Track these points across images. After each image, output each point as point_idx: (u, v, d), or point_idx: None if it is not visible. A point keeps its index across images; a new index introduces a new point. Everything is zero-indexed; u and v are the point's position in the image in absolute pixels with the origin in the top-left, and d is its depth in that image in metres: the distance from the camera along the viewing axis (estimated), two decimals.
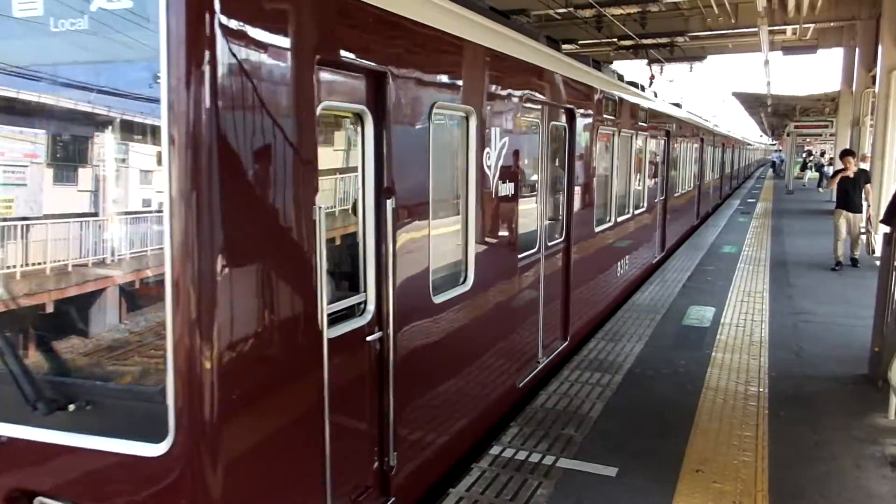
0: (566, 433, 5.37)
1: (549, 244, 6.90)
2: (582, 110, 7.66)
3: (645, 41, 21.57)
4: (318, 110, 3.28)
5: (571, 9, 19.21)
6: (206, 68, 2.66)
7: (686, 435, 5.37)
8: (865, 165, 14.80)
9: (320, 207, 3.26)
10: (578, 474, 4.74)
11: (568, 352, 7.48)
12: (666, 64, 24.62)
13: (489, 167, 5.25)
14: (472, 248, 5.08)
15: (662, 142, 13.36)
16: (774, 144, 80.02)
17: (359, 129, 3.80)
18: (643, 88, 12.27)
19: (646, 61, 21.81)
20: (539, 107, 6.49)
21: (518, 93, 5.85)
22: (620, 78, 10.83)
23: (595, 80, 8.44)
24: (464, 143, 5.02)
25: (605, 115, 8.70)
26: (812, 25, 22.12)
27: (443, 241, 4.84)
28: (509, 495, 4.43)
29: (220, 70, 2.70)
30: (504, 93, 5.59)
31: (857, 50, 21.25)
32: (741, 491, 4.53)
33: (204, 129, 2.67)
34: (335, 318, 3.62)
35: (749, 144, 58.95)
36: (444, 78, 4.67)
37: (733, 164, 34.75)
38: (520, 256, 6.07)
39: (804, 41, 23.97)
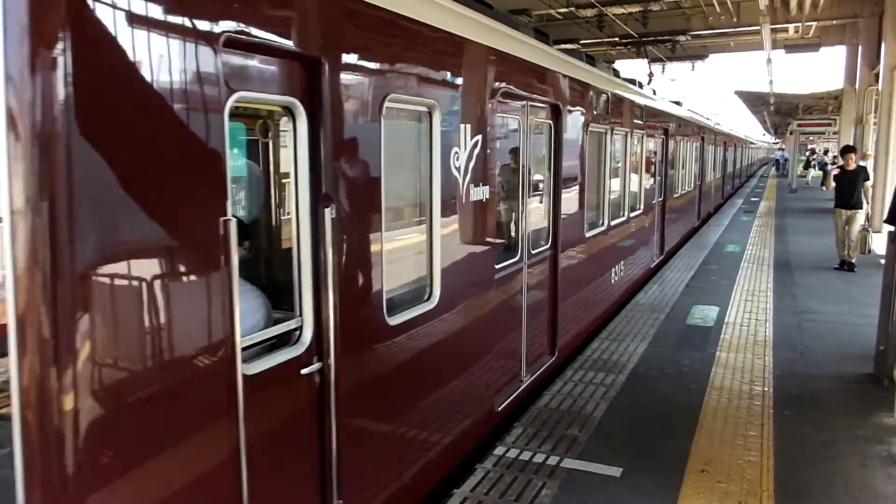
0: (570, 433, 5.36)
1: (534, 252, 6.34)
2: (570, 107, 7.06)
3: (646, 39, 21.55)
4: (230, 102, 2.72)
5: (573, 8, 19.23)
6: (61, 48, 2.12)
7: (691, 435, 5.35)
8: (865, 163, 14.68)
9: (229, 220, 2.66)
10: (583, 474, 4.73)
11: (556, 367, 6.99)
12: (668, 63, 24.61)
13: (458, 169, 4.68)
14: (439, 261, 4.48)
15: (660, 141, 12.84)
16: (777, 143, 79.93)
17: (290, 125, 3.26)
18: (641, 86, 11.86)
19: (647, 60, 21.80)
20: (520, 102, 5.95)
21: (494, 86, 5.24)
22: (616, 74, 10.31)
23: (585, 74, 7.77)
24: (427, 143, 4.42)
25: (596, 112, 8.08)
26: (814, 23, 22.13)
27: (401, 253, 4.38)
28: (514, 496, 4.42)
29: (82, 49, 2.18)
30: (477, 86, 4.98)
31: (859, 48, 21.25)
32: (746, 491, 4.51)
33: (59, 121, 2.13)
34: (266, 348, 3.15)
35: (752, 143, 58.84)
36: (399, 67, 4.01)
37: (736, 163, 34.63)
38: (498, 267, 5.49)
39: (806, 39, 23.98)
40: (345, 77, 3.45)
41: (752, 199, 29.53)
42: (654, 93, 13.69)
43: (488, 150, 5.15)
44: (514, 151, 6.13)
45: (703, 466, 4.84)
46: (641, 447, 5.16)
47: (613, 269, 9.53)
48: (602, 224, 8.79)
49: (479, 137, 4.97)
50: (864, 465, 4.91)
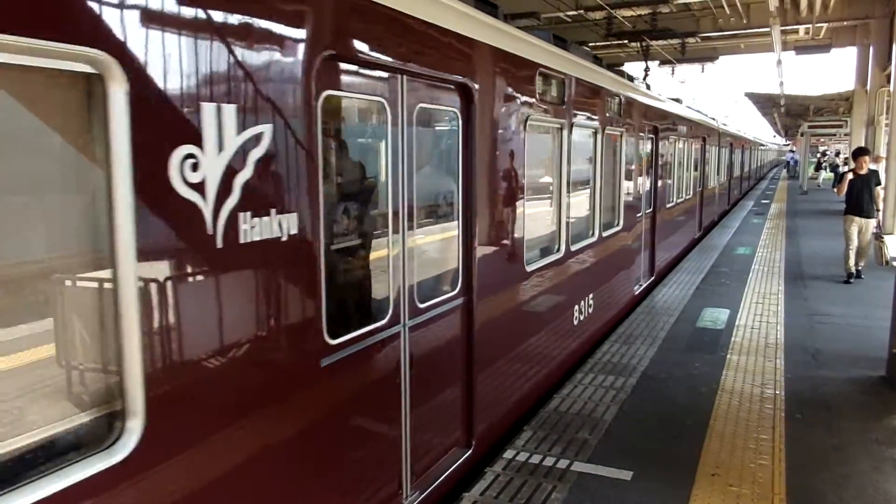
0: (580, 436, 5.35)
1: (425, 306, 4.33)
2: (492, 90, 5.08)
3: (655, 41, 21.55)
4: None
5: (581, 11, 19.23)
6: None
7: (701, 438, 5.33)
8: (875, 166, 14.42)
9: None
10: (593, 478, 4.71)
11: (476, 461, 5.05)
12: (677, 65, 24.57)
13: (199, 187, 2.60)
14: (140, 366, 2.39)
15: (649, 142, 10.93)
16: (788, 145, 79.60)
17: None
18: (631, 79, 10.59)
19: (646, 59, 21.77)
20: (384, 76, 3.85)
21: (305, 41, 3.12)
22: (598, 61, 8.60)
23: (519, 46, 5.59)
24: (101, 137, 2.32)
25: (543, 101, 6.05)
26: (825, 24, 22.01)
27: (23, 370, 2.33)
28: (523, 499, 4.41)
29: None
30: (253, 36, 2.85)
31: (870, 49, 21.11)
32: (758, 494, 4.49)
33: None
34: None
35: (762, 145, 58.45)
36: None
37: (743, 165, 34.26)
38: (335, 343, 3.42)
39: (817, 40, 23.86)
40: None
41: (763, 201, 29.41)
42: (649, 88, 12.16)
43: (297, 153, 3.12)
44: (374, 154, 4.13)
45: (714, 470, 4.81)
46: (652, 450, 5.14)
47: (577, 307, 7.43)
48: (558, 250, 6.73)
49: (267, 130, 2.91)
50: (877, 468, 4.87)
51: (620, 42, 22.33)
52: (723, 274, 12.14)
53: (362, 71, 3.72)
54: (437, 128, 4.80)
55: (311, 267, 3.24)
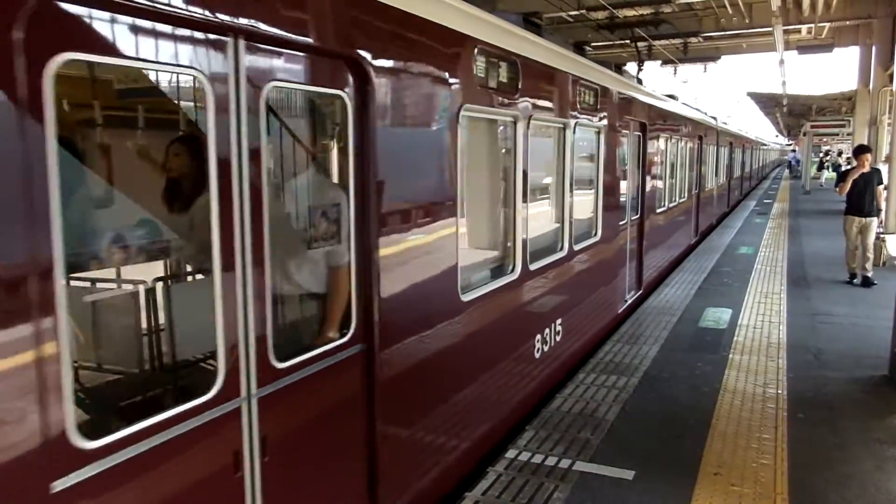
0: (582, 436, 5.35)
1: (290, 364, 3.11)
2: (403, 68, 3.85)
3: (657, 41, 21.52)
4: None
5: (584, 11, 19.24)
6: None
7: (704, 437, 5.33)
8: (878, 166, 14.29)
9: None
10: (595, 478, 4.71)
11: None
12: (679, 64, 24.55)
13: None
14: None
15: (634, 140, 9.70)
16: (790, 144, 79.50)
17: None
18: (622, 71, 9.75)
19: (660, 62, 21.75)
20: (202, 36, 2.59)
21: None
22: (579, 49, 7.64)
23: (452, 15, 4.40)
24: None
25: (484, 87, 4.85)
26: (827, 24, 21.99)
27: None
28: (525, 499, 4.41)
29: None
30: None
31: (873, 48, 21.09)
32: (760, 494, 4.48)
33: None
34: None
35: (764, 144, 58.26)
36: None
37: (744, 165, 33.98)
38: (95, 447, 2.23)
39: (820, 40, 23.82)
40: None
41: (766, 200, 29.38)
42: (641, 82, 11.28)
43: None
44: (186, 155, 3.30)
45: (716, 469, 4.82)
46: (654, 450, 5.14)
47: (540, 337, 6.26)
48: (511, 270, 5.58)
49: None
50: (879, 467, 4.87)
51: (623, 42, 22.32)
52: (725, 274, 12.13)
53: (153, 26, 2.39)
54: (309, 118, 3.68)
55: (37, 330, 2.01)
